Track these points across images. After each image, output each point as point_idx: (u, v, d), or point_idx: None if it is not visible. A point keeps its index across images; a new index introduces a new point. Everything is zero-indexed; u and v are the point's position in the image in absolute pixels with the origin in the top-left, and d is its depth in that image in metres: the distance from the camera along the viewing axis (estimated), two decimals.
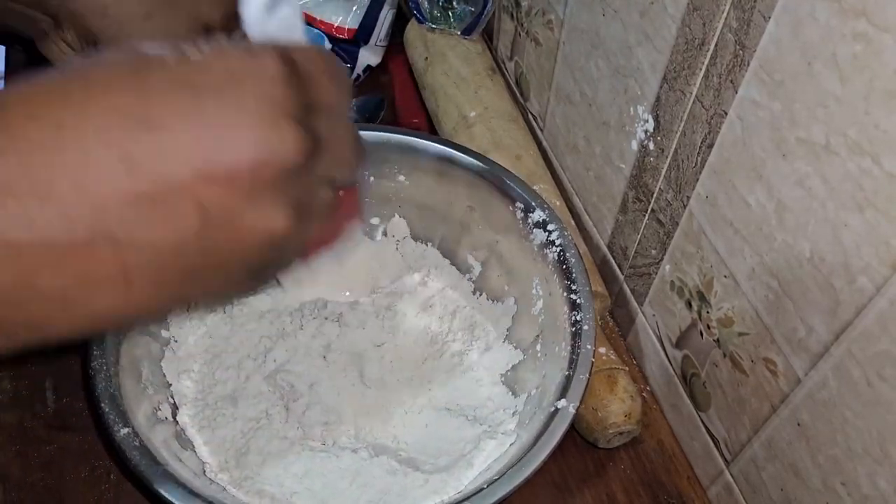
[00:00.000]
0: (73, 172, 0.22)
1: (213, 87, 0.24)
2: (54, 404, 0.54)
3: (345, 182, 0.30)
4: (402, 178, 0.56)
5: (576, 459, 0.53)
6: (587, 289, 0.47)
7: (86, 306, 0.24)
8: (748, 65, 0.38)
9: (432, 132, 0.71)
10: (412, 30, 0.74)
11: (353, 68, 0.74)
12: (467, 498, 0.40)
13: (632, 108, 0.50)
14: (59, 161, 0.22)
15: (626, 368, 0.53)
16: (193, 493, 0.39)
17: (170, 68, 0.24)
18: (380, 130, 0.55)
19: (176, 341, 0.51)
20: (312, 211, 0.28)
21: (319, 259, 0.36)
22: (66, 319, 0.24)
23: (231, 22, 0.49)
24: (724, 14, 0.39)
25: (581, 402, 0.43)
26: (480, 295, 0.56)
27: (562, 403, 0.43)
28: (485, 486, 0.40)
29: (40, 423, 0.53)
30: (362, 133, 0.54)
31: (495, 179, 0.53)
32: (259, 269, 0.27)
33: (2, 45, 0.67)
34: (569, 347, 0.46)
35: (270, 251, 0.26)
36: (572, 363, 0.44)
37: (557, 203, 0.60)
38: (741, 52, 0.38)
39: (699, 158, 0.44)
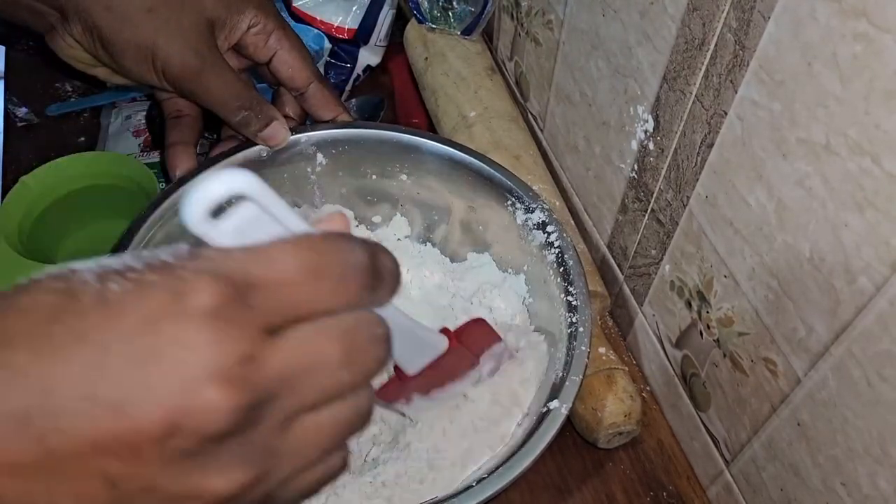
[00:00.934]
0: None
1: (123, 339, 0.20)
2: None
3: (354, 386, 0.25)
4: (403, 176, 0.56)
5: (575, 459, 0.54)
6: (584, 291, 0.47)
7: None
8: (748, 65, 0.38)
9: (432, 132, 0.71)
10: (412, 30, 0.74)
11: (353, 68, 0.74)
12: (455, 496, 0.40)
13: (632, 108, 0.50)
14: None
15: (626, 368, 0.53)
16: None
17: (82, 314, 0.21)
18: (383, 129, 0.55)
19: None
20: (292, 451, 0.24)
21: None
22: None
23: (235, 16, 0.49)
24: (724, 14, 0.39)
25: (573, 404, 0.43)
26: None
27: (554, 404, 0.43)
28: (473, 484, 0.40)
29: None
30: (365, 131, 0.55)
31: (496, 180, 0.53)
32: None
33: (2, 45, 0.67)
34: (564, 349, 0.46)
35: None
36: (566, 365, 0.44)
37: (557, 203, 0.60)
38: (741, 52, 0.38)
39: (699, 158, 0.44)
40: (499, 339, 0.45)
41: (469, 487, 0.40)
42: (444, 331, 0.40)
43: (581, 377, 0.44)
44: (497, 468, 0.40)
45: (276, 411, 0.23)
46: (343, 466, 0.26)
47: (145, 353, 0.20)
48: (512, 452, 0.41)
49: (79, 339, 0.20)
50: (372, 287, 0.24)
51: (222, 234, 0.22)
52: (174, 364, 0.20)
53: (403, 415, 0.42)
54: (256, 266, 0.22)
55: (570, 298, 0.47)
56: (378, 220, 0.59)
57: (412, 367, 0.36)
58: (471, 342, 0.41)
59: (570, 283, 0.48)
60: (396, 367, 0.37)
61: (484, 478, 0.40)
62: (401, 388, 0.38)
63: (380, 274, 0.24)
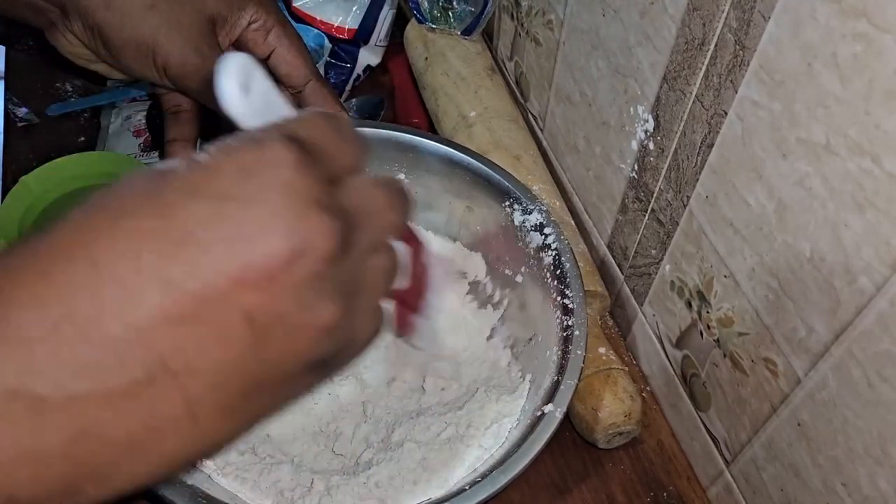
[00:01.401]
0: (117, 308, 0.21)
1: (230, 190, 0.23)
2: None
3: (395, 236, 0.28)
4: (402, 175, 0.56)
5: (575, 460, 0.53)
6: (581, 294, 0.47)
7: (155, 451, 0.23)
8: (748, 65, 0.38)
9: (432, 132, 0.71)
10: (412, 30, 0.74)
11: (353, 68, 0.74)
12: (448, 499, 0.39)
13: (632, 108, 0.50)
14: (100, 300, 0.21)
15: (626, 368, 0.53)
16: (177, 481, 0.39)
17: (183, 179, 0.23)
18: (383, 128, 0.55)
19: None
20: (367, 286, 0.27)
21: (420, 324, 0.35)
22: (136, 469, 0.23)
23: (235, 13, 0.49)
24: (724, 14, 0.39)
25: (574, 405, 0.43)
26: (474, 299, 0.56)
27: (548, 408, 0.43)
28: (467, 488, 0.40)
29: None
30: (364, 130, 0.54)
31: (494, 180, 0.53)
32: (322, 364, 0.26)
33: (2, 44, 0.67)
34: (559, 352, 0.46)
35: (329, 344, 0.25)
36: (562, 368, 0.44)
37: (557, 203, 0.60)
38: (741, 52, 0.38)
39: (699, 158, 0.44)
40: (423, 241, 0.44)
41: (462, 490, 0.40)
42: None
43: (576, 381, 0.44)
44: (491, 471, 0.40)
45: (360, 241, 0.26)
46: (380, 327, 0.29)
47: (253, 195, 0.23)
48: (506, 454, 0.41)
49: (191, 194, 0.23)
50: (367, 149, 0.28)
51: (254, 111, 0.26)
52: (281, 199, 0.23)
53: (417, 347, 0.41)
54: (303, 130, 0.25)
55: (566, 301, 0.47)
56: None
57: (403, 276, 0.36)
58: (414, 248, 0.41)
59: (567, 286, 0.48)
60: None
61: (478, 481, 0.40)
62: (401, 310, 0.37)
63: (366, 143, 0.29)
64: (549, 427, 0.42)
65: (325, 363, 0.26)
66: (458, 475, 0.45)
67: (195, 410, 0.23)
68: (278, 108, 0.28)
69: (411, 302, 0.37)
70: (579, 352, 0.45)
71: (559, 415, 0.42)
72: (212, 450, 0.25)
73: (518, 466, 0.40)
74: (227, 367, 0.23)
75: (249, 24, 0.50)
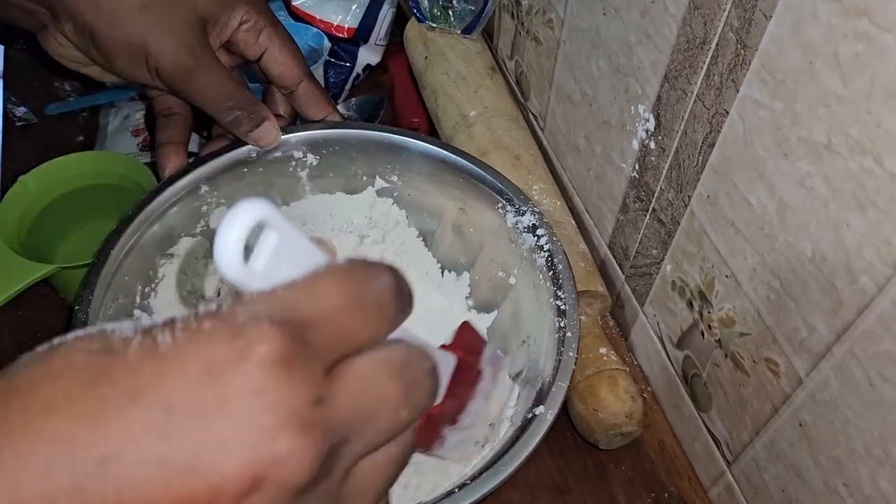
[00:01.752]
0: None
1: (184, 396, 0.19)
2: None
3: (404, 435, 0.24)
4: (395, 177, 0.56)
5: (576, 460, 0.53)
6: (574, 295, 0.47)
7: None
8: (749, 64, 0.38)
9: (432, 132, 0.71)
10: (412, 29, 0.74)
11: (352, 67, 0.74)
12: (437, 501, 0.39)
13: (633, 108, 0.50)
14: None
15: (627, 369, 0.53)
16: None
17: (131, 369, 0.19)
18: (374, 130, 0.54)
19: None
20: (358, 493, 0.23)
21: None
22: None
23: (227, 13, 0.48)
24: (726, 13, 0.39)
25: (574, 405, 0.43)
26: (469, 298, 0.56)
27: (539, 410, 0.42)
28: (455, 491, 0.39)
29: None
30: (355, 132, 0.54)
31: (487, 182, 0.52)
32: None
33: (1, 44, 0.67)
34: (552, 354, 0.45)
35: None
36: (554, 370, 0.44)
37: (558, 203, 0.60)
38: (742, 51, 0.38)
39: (700, 158, 0.44)
40: (484, 342, 0.42)
41: (450, 493, 0.39)
42: (443, 346, 0.37)
43: (567, 383, 0.43)
44: (481, 473, 0.40)
45: (345, 456, 0.22)
46: None
47: (213, 405, 0.19)
48: (496, 457, 0.41)
49: (134, 398, 0.19)
50: (402, 308, 0.23)
51: (256, 274, 0.21)
52: (247, 414, 0.19)
53: (443, 458, 0.40)
54: (305, 303, 0.21)
55: (559, 303, 0.47)
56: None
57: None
58: (466, 352, 0.38)
59: (560, 288, 0.47)
60: None
61: (467, 483, 0.40)
62: (430, 426, 0.35)
63: (405, 294, 0.23)
64: (540, 429, 0.41)
65: None
66: (450, 479, 0.45)
67: None
68: (296, 266, 0.22)
69: (450, 414, 0.35)
70: (571, 353, 0.44)
71: (550, 417, 0.42)
72: None
73: (508, 469, 0.40)
74: None
75: (240, 24, 0.49)
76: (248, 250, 0.21)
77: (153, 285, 0.51)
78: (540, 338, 0.48)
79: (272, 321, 0.20)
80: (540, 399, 0.43)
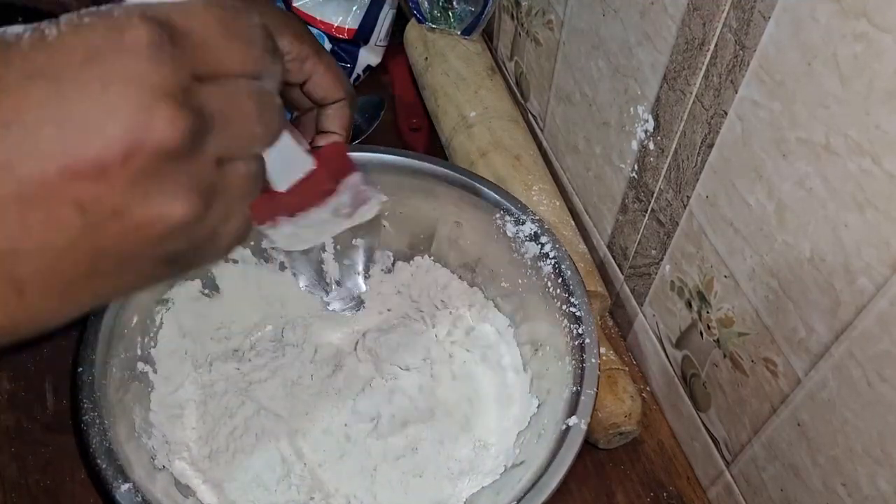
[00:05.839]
0: None
1: (71, 71, 0.22)
2: (54, 406, 0.54)
3: (252, 154, 0.28)
4: (384, 198, 0.55)
5: (576, 459, 0.53)
6: (585, 301, 0.47)
7: None
8: (748, 65, 0.38)
9: (432, 132, 0.71)
10: (412, 30, 0.74)
11: (353, 68, 0.74)
12: None
13: (632, 108, 0.50)
14: None
15: (626, 369, 0.53)
16: None
17: (24, 57, 0.22)
18: (361, 151, 0.53)
19: (166, 381, 0.50)
20: (228, 188, 0.26)
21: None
22: None
23: None
24: (724, 14, 0.39)
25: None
26: (471, 309, 0.56)
27: (573, 420, 0.42)
28: None
29: (38, 424, 0.53)
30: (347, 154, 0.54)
31: (482, 194, 0.52)
32: (174, 258, 0.26)
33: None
34: (573, 362, 0.45)
35: (180, 239, 0.25)
36: (578, 378, 0.44)
37: (557, 203, 0.60)
38: (741, 52, 0.38)
39: (699, 158, 0.44)
40: (356, 169, 0.42)
41: None
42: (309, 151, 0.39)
43: (595, 390, 0.43)
44: (530, 488, 0.40)
45: (212, 145, 0.25)
46: (247, 230, 0.29)
47: (97, 81, 0.22)
48: (540, 470, 0.41)
49: (28, 76, 0.22)
50: (272, 55, 0.26)
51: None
52: (126, 89, 0.22)
53: (271, 241, 0.41)
54: (176, 15, 0.24)
55: (572, 309, 0.47)
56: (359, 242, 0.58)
57: (282, 183, 0.35)
58: (325, 166, 0.39)
59: (571, 294, 0.47)
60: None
61: (521, 497, 0.40)
62: (269, 205, 0.36)
63: (275, 47, 0.27)
64: (577, 439, 0.42)
65: (179, 259, 0.26)
66: (455, 487, 0.45)
67: (21, 288, 0.23)
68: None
69: (288, 206, 0.36)
70: (594, 360, 0.44)
71: (584, 426, 0.42)
72: (43, 324, 0.25)
73: (554, 481, 0.41)
74: (56, 252, 0.23)
75: (285, 55, 0.49)
76: None
77: (152, 334, 0.50)
78: (555, 345, 0.48)
79: (146, 17, 0.23)
80: (571, 409, 0.43)
